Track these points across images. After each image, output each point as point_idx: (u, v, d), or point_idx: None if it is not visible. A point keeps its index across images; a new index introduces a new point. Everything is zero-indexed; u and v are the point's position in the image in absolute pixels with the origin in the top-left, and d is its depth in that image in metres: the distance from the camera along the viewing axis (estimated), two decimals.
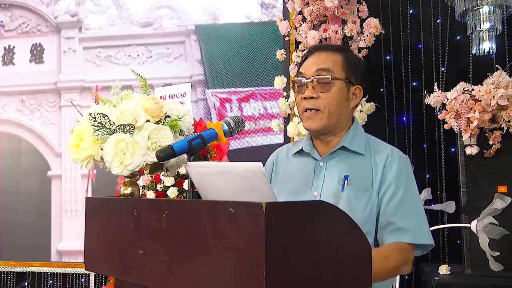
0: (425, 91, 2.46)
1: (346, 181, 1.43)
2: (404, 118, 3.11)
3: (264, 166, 1.65)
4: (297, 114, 2.77)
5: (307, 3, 2.69)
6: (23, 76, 3.79)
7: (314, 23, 2.78)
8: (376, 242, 1.43)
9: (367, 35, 2.71)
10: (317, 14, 2.66)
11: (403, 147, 3.01)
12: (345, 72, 1.46)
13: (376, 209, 1.42)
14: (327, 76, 1.43)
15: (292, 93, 2.83)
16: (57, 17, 3.76)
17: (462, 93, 2.27)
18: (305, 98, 1.45)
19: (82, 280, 3.55)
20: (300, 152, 1.56)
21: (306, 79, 1.45)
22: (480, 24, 2.56)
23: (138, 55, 3.59)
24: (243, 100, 3.39)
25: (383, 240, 1.40)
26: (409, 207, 1.40)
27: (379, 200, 1.42)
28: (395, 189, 1.41)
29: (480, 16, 2.55)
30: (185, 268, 0.90)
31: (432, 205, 2.56)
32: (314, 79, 1.43)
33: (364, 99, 2.77)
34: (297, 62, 2.78)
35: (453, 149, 2.86)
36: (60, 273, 3.54)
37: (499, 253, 2.19)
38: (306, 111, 1.46)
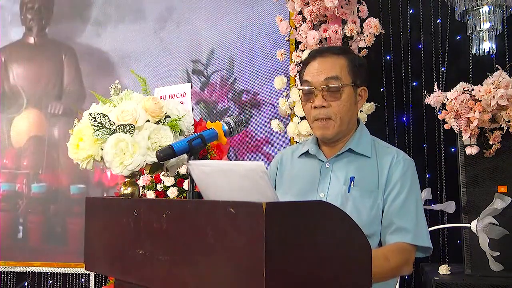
0: (425, 91, 2.46)
1: (352, 182, 1.44)
2: (404, 118, 3.11)
3: (268, 167, 1.66)
4: (297, 114, 2.77)
5: (307, 3, 2.69)
6: None
7: (314, 23, 2.78)
8: (379, 242, 1.44)
9: (367, 35, 2.71)
10: (317, 14, 2.66)
11: (403, 147, 3.02)
12: (351, 76, 1.46)
13: (382, 210, 1.42)
14: (337, 85, 1.43)
15: (292, 94, 2.83)
16: None
17: (462, 93, 2.27)
18: (315, 107, 1.44)
19: (82, 280, 3.55)
20: (306, 154, 1.57)
21: (315, 88, 1.45)
22: (480, 24, 2.56)
23: None
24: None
25: (385, 240, 1.41)
26: (411, 208, 1.41)
27: (384, 200, 1.43)
28: (399, 190, 1.42)
29: (480, 16, 2.55)
30: (185, 268, 0.90)
31: (432, 205, 2.57)
32: (324, 89, 1.43)
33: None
34: (297, 62, 2.78)
35: (453, 149, 2.86)
36: (60, 273, 3.54)
37: (499, 253, 2.19)
38: (317, 120, 1.46)
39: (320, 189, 1.47)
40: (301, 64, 1.56)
